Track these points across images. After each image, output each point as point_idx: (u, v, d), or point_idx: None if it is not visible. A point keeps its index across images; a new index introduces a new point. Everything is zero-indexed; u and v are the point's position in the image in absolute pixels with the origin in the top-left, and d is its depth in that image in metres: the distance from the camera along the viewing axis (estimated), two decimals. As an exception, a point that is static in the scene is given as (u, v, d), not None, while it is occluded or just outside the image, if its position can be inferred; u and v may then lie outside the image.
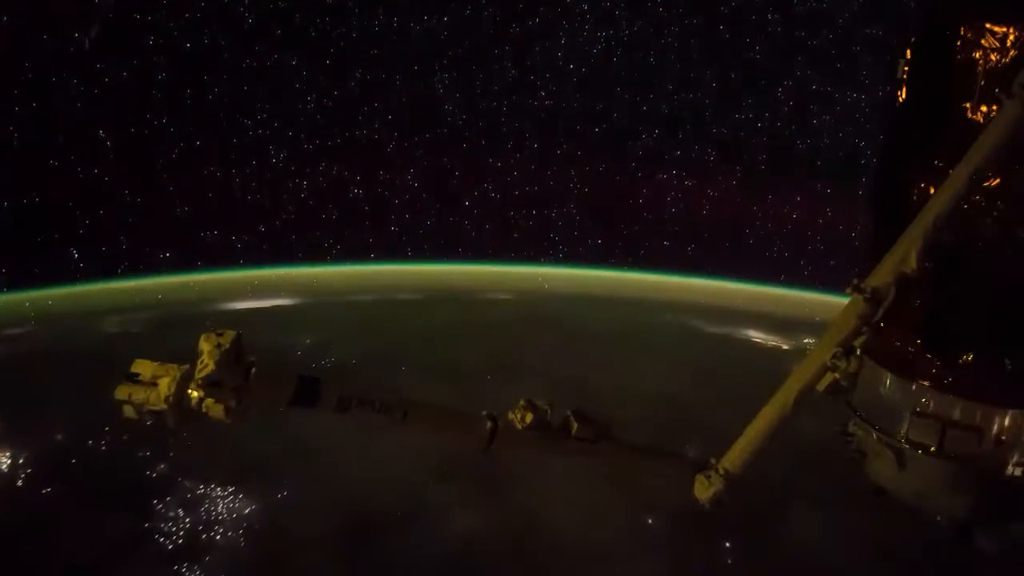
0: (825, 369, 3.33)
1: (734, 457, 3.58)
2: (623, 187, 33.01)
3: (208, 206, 28.91)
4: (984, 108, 3.53)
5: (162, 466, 17.07)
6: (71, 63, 22.88)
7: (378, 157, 31.14)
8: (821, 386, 3.37)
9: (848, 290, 3.30)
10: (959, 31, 3.62)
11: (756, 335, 28.73)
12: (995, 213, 3.54)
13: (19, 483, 16.57)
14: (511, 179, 32.76)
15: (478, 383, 20.95)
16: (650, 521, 16.43)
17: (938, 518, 3.92)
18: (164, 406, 2.59)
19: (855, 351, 3.29)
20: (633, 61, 29.63)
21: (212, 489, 16.69)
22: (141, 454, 17.23)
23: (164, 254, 29.35)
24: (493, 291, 35.72)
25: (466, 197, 33.40)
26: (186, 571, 14.79)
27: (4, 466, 16.85)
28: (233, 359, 2.62)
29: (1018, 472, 3.51)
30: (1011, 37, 3.48)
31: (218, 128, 27.66)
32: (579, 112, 31.17)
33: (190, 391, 2.61)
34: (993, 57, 3.53)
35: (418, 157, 31.71)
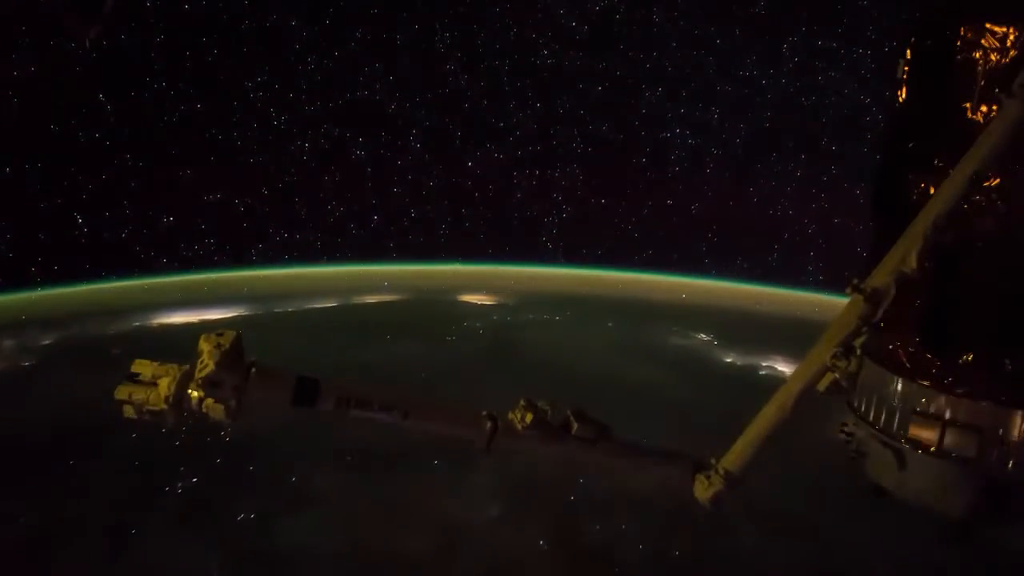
0: (825, 369, 3.35)
1: (734, 457, 3.59)
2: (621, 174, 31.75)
3: (143, 196, 25.80)
4: (984, 108, 3.54)
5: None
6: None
7: (346, 144, 29.56)
8: (821, 386, 3.39)
9: (848, 290, 3.31)
10: (959, 31, 3.63)
11: (788, 368, 21.81)
12: (995, 213, 3.55)
13: None
14: (499, 168, 31.38)
15: (391, 472, 16.98)
16: None
17: (938, 518, 3.93)
18: (164, 406, 2.61)
19: (855, 351, 3.30)
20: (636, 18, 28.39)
21: None
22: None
23: (77, 257, 25.29)
24: (471, 292, 30.99)
25: (451, 189, 31.70)
26: None
27: None
28: (233, 359, 2.63)
29: (1018, 472, 3.51)
30: (1011, 37, 3.49)
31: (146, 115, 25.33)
32: (580, 74, 29.85)
33: (190, 391, 2.62)
34: (993, 57, 3.53)
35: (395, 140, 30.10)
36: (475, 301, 31.12)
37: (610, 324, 27.88)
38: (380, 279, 32.20)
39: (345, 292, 30.67)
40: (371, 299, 30.50)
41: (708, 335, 27.11)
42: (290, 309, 28.54)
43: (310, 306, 29.23)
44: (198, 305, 26.86)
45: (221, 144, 27.45)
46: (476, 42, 28.97)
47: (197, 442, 17.66)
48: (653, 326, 27.75)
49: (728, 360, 24.72)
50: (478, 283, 32.38)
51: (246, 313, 26.82)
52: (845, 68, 26.89)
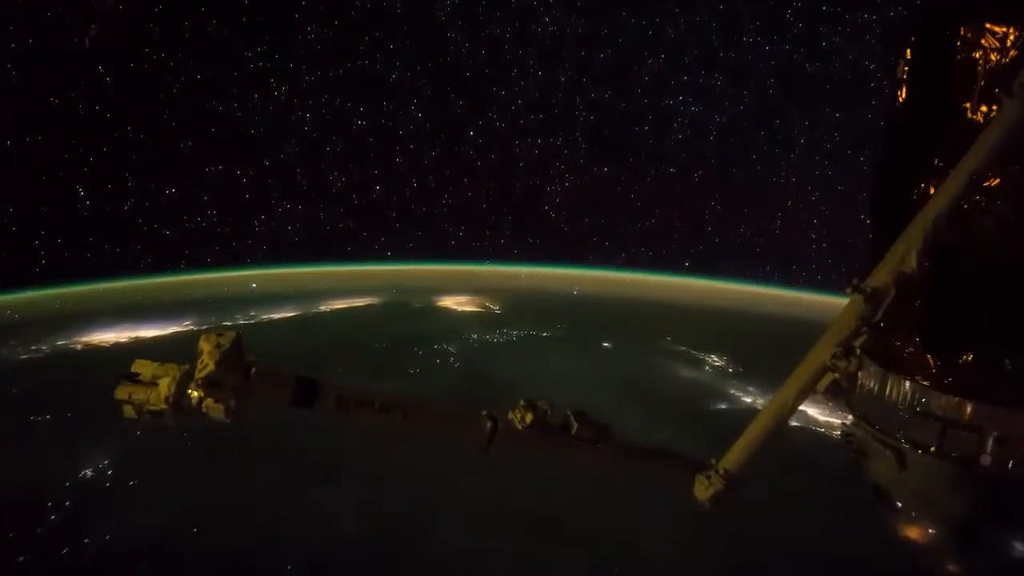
0: (825, 369, 3.35)
1: (734, 457, 3.59)
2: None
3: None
4: (984, 108, 3.54)
5: None
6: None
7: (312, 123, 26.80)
8: (821, 386, 3.39)
9: (848, 290, 3.32)
10: (959, 31, 3.63)
11: (824, 416, 15.55)
12: (995, 213, 3.55)
13: None
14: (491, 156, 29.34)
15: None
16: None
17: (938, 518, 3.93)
18: (164, 406, 2.61)
19: (855, 351, 3.30)
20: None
21: None
22: None
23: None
24: (454, 294, 26.82)
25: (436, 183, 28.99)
26: None
27: None
28: (233, 359, 2.63)
29: (1018, 472, 3.52)
30: (1011, 37, 3.49)
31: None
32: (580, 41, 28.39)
33: (190, 391, 2.62)
34: (993, 57, 3.54)
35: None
36: (455, 307, 26.73)
37: (607, 344, 23.19)
38: (355, 280, 28.43)
39: (310, 296, 26.51)
40: (339, 304, 26.22)
41: (721, 357, 22.24)
42: (242, 321, 24.20)
43: (266, 316, 24.93)
44: (132, 318, 22.12)
45: (170, 131, 25.27)
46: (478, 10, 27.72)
47: (45, 561, 12.81)
48: (657, 345, 22.91)
49: (747, 400, 19.79)
50: (464, 284, 28.80)
51: (189, 327, 22.10)
52: (849, 33, 26.23)
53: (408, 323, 24.51)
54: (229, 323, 22.89)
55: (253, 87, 26.28)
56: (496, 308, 26.50)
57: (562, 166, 30.84)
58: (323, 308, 26.12)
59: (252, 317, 24.39)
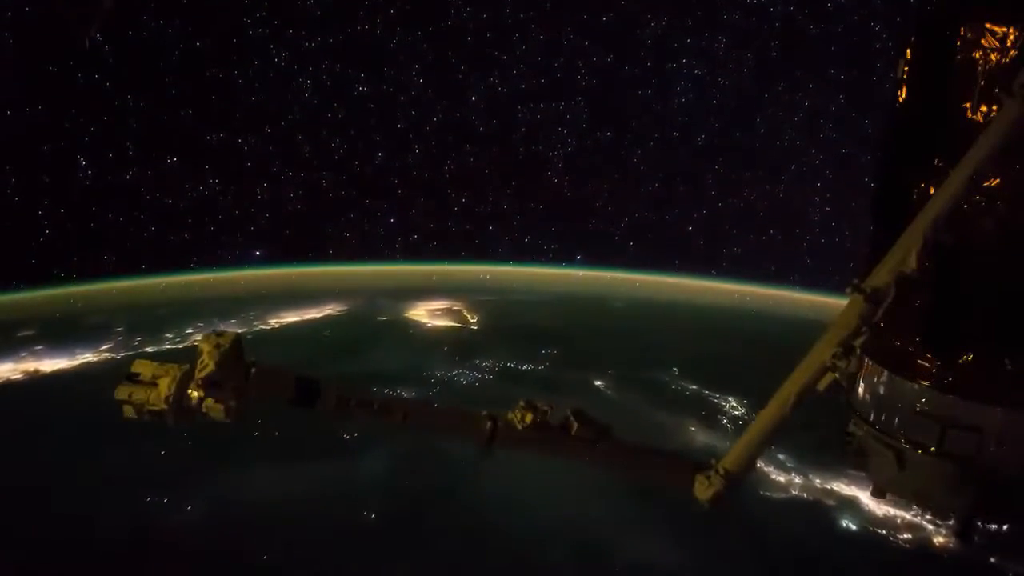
0: (825, 369, 3.35)
1: (734, 457, 3.60)
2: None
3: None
4: (984, 108, 3.55)
5: None
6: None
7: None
8: (821, 386, 3.40)
9: (848, 290, 3.32)
10: (959, 31, 3.64)
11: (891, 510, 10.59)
12: (995, 213, 3.56)
13: None
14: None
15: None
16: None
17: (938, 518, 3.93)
18: (164, 406, 2.61)
19: (855, 351, 3.31)
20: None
21: None
22: None
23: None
24: (429, 299, 23.10)
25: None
26: None
27: None
28: (233, 359, 2.64)
29: (1018, 472, 3.52)
30: (1011, 37, 3.50)
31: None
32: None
33: (190, 391, 2.63)
34: (993, 57, 3.54)
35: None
36: (426, 321, 22.27)
37: (599, 383, 18.66)
38: (325, 281, 23.71)
39: (263, 304, 21.61)
40: (291, 317, 21.59)
41: (742, 401, 17.17)
42: (168, 346, 18.56)
43: (200, 336, 20.63)
44: (42, 338, 17.33)
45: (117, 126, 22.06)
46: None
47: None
48: (662, 383, 17.99)
49: (780, 480, 14.20)
50: (444, 285, 24.90)
51: (105, 355, 16.94)
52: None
53: (362, 349, 19.86)
54: (152, 349, 17.56)
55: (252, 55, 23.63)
56: (473, 322, 22.48)
57: (564, 135, 28.85)
58: (272, 323, 21.76)
59: (183, 339, 18.94)
